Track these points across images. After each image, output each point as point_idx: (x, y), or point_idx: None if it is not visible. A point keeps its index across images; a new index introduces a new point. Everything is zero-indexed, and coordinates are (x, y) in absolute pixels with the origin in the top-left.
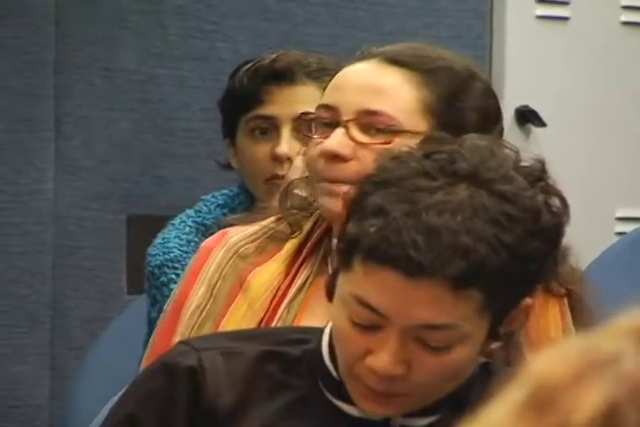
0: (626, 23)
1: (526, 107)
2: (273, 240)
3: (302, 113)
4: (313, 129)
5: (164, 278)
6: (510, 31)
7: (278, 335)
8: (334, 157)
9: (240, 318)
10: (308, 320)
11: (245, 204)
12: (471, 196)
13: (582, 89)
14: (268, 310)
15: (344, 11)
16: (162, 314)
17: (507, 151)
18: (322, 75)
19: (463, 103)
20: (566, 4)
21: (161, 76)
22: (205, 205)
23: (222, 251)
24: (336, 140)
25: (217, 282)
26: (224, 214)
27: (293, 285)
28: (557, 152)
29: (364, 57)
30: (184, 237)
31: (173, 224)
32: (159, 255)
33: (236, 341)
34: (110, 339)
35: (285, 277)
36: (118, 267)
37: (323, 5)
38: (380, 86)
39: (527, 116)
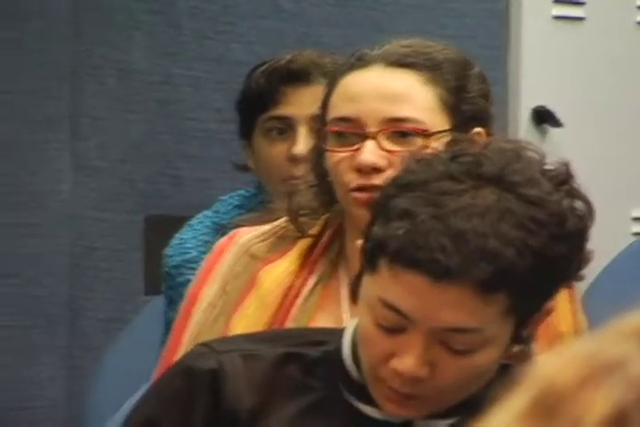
0: None
1: (543, 107)
2: (284, 239)
3: (314, 122)
4: (329, 141)
5: (181, 279)
6: (526, 31)
7: (297, 337)
8: (374, 170)
9: (251, 313)
10: (321, 323)
11: (263, 204)
12: (498, 199)
13: (598, 89)
14: (279, 308)
15: (359, 11)
16: (178, 314)
17: (532, 154)
18: None
19: (470, 93)
20: (582, 4)
21: (176, 77)
22: (223, 206)
23: (234, 250)
24: (372, 153)
25: (229, 280)
26: (241, 215)
27: (306, 285)
28: (574, 152)
29: (364, 63)
30: (201, 237)
31: (190, 225)
32: (176, 256)
33: (255, 343)
34: (127, 339)
35: (297, 277)
36: (135, 268)
37: (337, 6)
38: (397, 92)
39: (543, 117)
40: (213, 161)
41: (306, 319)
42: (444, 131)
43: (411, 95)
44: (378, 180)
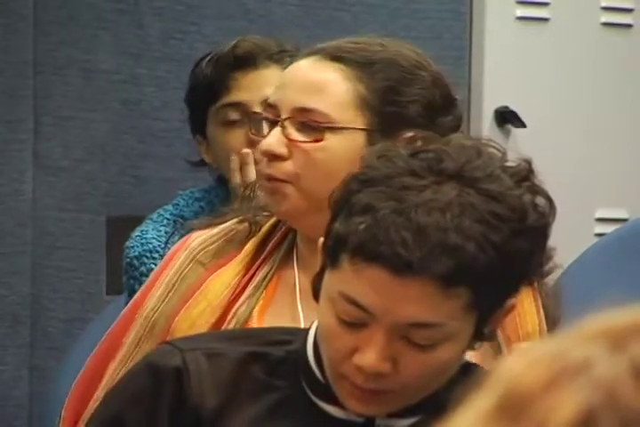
0: (606, 24)
1: (506, 108)
2: (231, 243)
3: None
4: (259, 128)
5: (143, 269)
6: (490, 32)
7: (262, 336)
8: (274, 157)
9: (196, 315)
10: (271, 318)
11: (221, 196)
12: (459, 194)
13: (562, 90)
14: (226, 307)
15: (324, 12)
16: (119, 316)
17: (493, 151)
18: (282, 56)
19: (404, 97)
20: (546, 4)
21: (140, 77)
22: (183, 199)
23: (183, 255)
24: (272, 139)
25: (175, 284)
26: (201, 207)
27: (252, 282)
28: (537, 153)
29: (308, 53)
30: (162, 228)
31: (151, 218)
32: (137, 247)
33: (219, 341)
34: (89, 339)
35: (244, 276)
36: (97, 267)
37: (302, 6)
38: (315, 83)
39: (507, 117)
40: (178, 161)
41: (247, 314)
42: (357, 129)
43: (326, 88)
44: (273, 170)
